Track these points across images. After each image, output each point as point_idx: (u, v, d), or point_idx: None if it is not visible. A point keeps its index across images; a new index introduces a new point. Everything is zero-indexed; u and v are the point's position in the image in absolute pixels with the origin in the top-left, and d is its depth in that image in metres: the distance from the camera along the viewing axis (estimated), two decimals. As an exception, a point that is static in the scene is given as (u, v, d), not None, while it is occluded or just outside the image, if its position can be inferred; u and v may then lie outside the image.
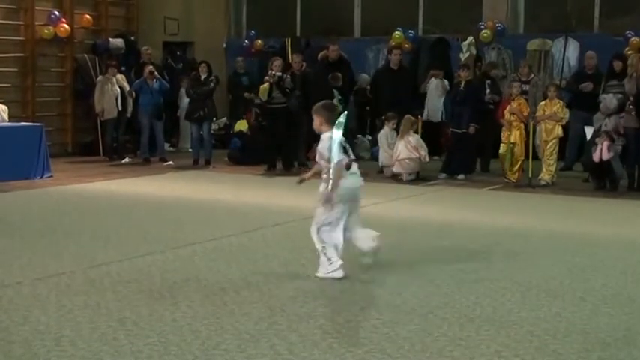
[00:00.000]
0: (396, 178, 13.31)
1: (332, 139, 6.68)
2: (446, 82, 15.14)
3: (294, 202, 10.90)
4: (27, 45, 16.45)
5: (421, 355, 4.91)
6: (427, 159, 13.26)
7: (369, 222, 9.45)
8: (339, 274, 6.70)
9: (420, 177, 13.21)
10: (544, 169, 12.75)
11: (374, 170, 14.16)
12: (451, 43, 16.72)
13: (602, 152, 12.00)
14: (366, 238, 6.96)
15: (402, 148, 13.10)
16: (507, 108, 12.96)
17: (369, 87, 16.27)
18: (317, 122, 6.98)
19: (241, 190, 12.31)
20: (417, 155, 13.07)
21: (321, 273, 6.78)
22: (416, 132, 13.56)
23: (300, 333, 5.25)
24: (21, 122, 14.41)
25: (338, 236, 6.86)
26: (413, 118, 13.45)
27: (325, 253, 6.78)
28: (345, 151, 6.82)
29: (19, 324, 5.40)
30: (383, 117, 14.29)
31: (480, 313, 5.75)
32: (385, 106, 14.29)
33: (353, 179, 6.94)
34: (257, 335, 5.21)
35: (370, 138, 16.17)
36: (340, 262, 6.75)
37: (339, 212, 6.85)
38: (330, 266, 6.73)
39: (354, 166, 6.96)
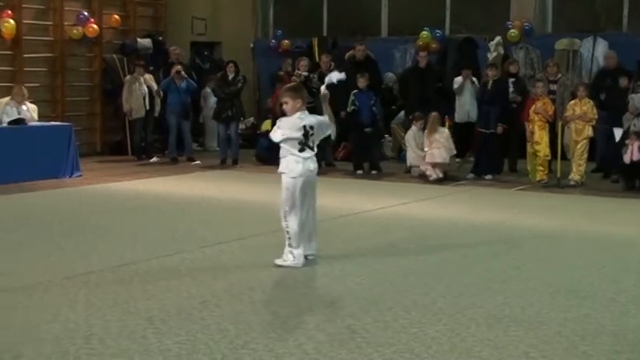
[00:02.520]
0: (423, 177, 13.29)
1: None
2: (475, 80, 15.03)
3: (322, 201, 10.88)
4: (56, 45, 16.57)
5: (449, 355, 4.90)
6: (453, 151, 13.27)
7: (398, 221, 9.49)
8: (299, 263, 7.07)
9: (448, 177, 13.17)
10: (574, 169, 12.67)
11: (401, 170, 14.17)
12: (478, 43, 16.65)
13: (632, 153, 11.91)
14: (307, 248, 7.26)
15: (431, 146, 13.04)
16: (532, 108, 12.90)
17: (393, 85, 16.24)
18: (292, 105, 7.21)
19: (268, 189, 12.28)
20: (446, 155, 13.05)
21: (280, 261, 7.11)
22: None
23: (327, 332, 5.25)
24: (50, 122, 14.53)
25: (292, 223, 7.13)
26: (438, 115, 13.40)
27: (289, 240, 7.11)
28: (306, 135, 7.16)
29: (49, 322, 5.44)
30: (410, 117, 14.27)
31: (509, 314, 5.73)
32: (413, 106, 14.26)
33: (307, 164, 7.19)
34: (285, 334, 5.21)
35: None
36: (300, 251, 7.11)
37: (294, 198, 7.14)
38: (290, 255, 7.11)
39: (309, 151, 7.22)
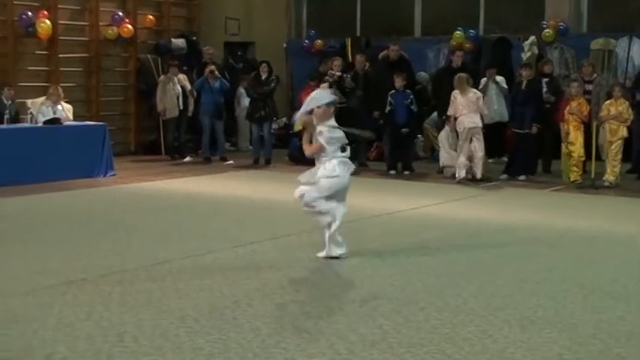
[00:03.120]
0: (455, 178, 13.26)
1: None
2: (501, 80, 14.86)
3: (355, 201, 10.88)
4: (91, 45, 16.70)
5: (481, 356, 4.88)
6: (485, 111, 13.20)
7: (430, 222, 9.46)
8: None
9: (480, 177, 13.09)
10: (608, 170, 12.55)
11: (434, 170, 14.13)
12: (513, 43, 16.55)
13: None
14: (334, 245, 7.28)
15: (464, 104, 12.92)
16: (567, 108, 12.81)
17: (427, 85, 16.19)
18: (323, 113, 7.14)
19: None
20: (477, 119, 12.93)
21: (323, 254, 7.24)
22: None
23: (359, 332, 5.25)
24: (85, 121, 14.64)
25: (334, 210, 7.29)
26: (467, 76, 13.29)
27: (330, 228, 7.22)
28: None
29: (83, 320, 5.48)
30: (443, 117, 14.23)
31: (542, 315, 5.69)
32: (446, 107, 14.20)
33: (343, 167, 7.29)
34: (316, 334, 5.22)
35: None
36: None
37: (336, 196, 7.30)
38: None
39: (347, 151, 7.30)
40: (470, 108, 12.84)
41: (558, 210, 10.60)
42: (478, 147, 12.84)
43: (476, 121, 12.86)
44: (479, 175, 12.84)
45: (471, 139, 12.88)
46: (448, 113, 13.24)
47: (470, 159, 12.92)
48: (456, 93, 12.99)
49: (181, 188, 12.29)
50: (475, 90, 13.18)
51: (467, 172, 12.90)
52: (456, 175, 12.89)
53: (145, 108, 17.28)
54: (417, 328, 5.38)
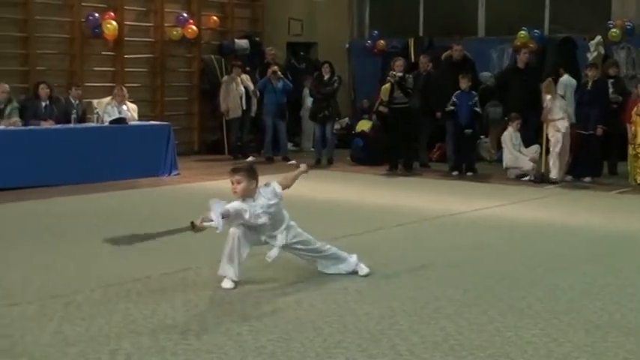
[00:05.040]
0: (519, 179, 13.15)
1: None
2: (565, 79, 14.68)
3: (417, 202, 10.88)
4: (156, 46, 16.91)
5: (545, 360, 4.83)
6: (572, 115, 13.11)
7: (493, 223, 9.38)
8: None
9: (545, 179, 12.96)
10: (677, 172, 12.36)
11: (497, 171, 14.01)
12: (578, 43, 16.34)
13: None
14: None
15: (555, 108, 12.91)
16: (634, 109, 12.61)
17: (489, 84, 16.08)
18: (245, 186, 6.35)
19: (363, 189, 12.34)
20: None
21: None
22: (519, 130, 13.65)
23: (421, 334, 5.23)
24: (150, 121, 14.82)
25: None
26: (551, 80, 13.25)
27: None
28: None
29: (147, 317, 5.55)
30: (506, 118, 14.12)
31: (607, 320, 5.61)
32: (512, 107, 14.09)
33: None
34: (378, 335, 5.21)
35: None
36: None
37: None
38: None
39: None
40: (560, 111, 12.81)
41: (624, 213, 10.44)
42: (562, 150, 12.85)
43: (566, 125, 12.88)
44: (555, 176, 12.76)
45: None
46: (542, 119, 13.15)
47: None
48: (546, 97, 12.93)
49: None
50: (559, 95, 13.13)
51: (534, 173, 12.86)
52: (553, 177, 12.88)
53: (209, 108, 17.44)
54: (479, 330, 5.34)
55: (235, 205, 6.28)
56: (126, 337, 5.11)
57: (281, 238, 6.49)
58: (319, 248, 6.74)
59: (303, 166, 7.13)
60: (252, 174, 6.45)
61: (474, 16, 18.88)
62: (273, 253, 6.47)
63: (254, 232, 6.48)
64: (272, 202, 6.40)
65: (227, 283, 6.36)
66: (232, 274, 6.38)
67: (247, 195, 6.37)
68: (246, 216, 6.25)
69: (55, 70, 15.17)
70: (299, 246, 6.66)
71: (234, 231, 6.44)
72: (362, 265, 6.80)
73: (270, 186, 6.52)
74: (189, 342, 5.05)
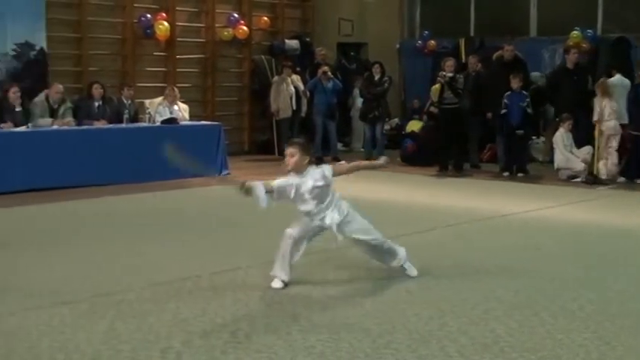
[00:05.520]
0: (570, 180, 13.02)
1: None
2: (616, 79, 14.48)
3: (467, 203, 10.82)
4: (207, 46, 17.01)
5: (597, 363, 4.78)
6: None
7: (544, 225, 9.29)
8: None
9: (597, 180, 12.81)
10: None
11: (549, 172, 13.88)
12: (632, 43, 16.11)
13: None
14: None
15: (610, 109, 12.83)
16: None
17: (540, 84, 15.93)
18: (298, 160, 6.34)
19: (413, 190, 12.31)
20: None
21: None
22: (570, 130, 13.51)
23: (470, 335, 5.20)
24: (201, 121, 14.91)
25: None
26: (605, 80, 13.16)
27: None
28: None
29: (198, 316, 5.59)
30: (558, 118, 13.98)
31: (661, 323, 5.54)
32: (563, 108, 13.94)
33: None
34: (427, 336, 5.19)
35: (544, 140, 15.81)
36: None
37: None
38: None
39: None
40: (614, 112, 12.69)
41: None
42: (613, 151, 12.77)
43: (617, 126, 12.86)
44: (605, 176, 12.63)
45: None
46: (594, 119, 13.02)
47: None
48: (601, 98, 12.80)
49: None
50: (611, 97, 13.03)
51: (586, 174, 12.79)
52: (603, 177, 12.79)
53: (259, 108, 17.50)
54: (530, 332, 5.29)
55: (280, 181, 6.34)
56: (176, 336, 5.15)
57: (330, 218, 6.43)
58: (376, 238, 6.64)
59: (383, 159, 6.95)
60: (306, 149, 6.46)
61: (526, 16, 18.70)
62: (333, 238, 6.44)
63: (306, 216, 6.46)
64: (319, 183, 6.36)
65: (277, 283, 6.39)
66: (283, 275, 6.39)
67: (298, 170, 6.37)
68: (291, 194, 6.32)
69: (107, 71, 15.33)
70: (354, 227, 6.53)
71: (289, 232, 6.47)
72: (411, 265, 6.76)
73: (320, 168, 6.46)
74: (239, 341, 5.08)
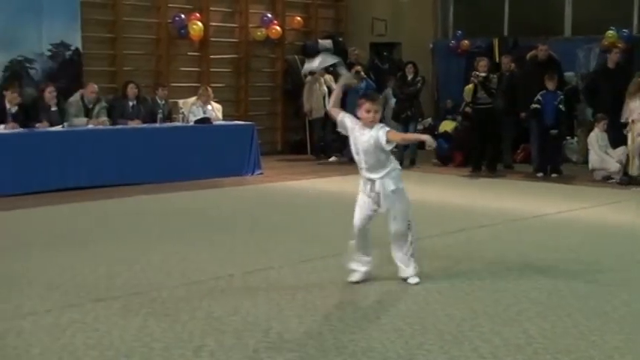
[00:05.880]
0: (606, 181, 12.92)
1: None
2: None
3: (500, 203, 10.77)
4: (241, 46, 17.08)
5: (631, 365, 4.74)
6: None
7: (577, 226, 9.23)
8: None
9: (632, 181, 12.68)
10: None
11: (583, 173, 13.78)
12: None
13: None
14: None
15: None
16: None
17: (574, 84, 15.81)
18: (379, 116, 6.52)
19: (446, 190, 12.27)
20: None
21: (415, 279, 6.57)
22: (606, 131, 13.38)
23: (503, 336, 5.18)
24: (234, 121, 14.97)
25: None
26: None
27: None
28: None
29: (230, 315, 5.61)
30: (593, 118, 13.88)
31: (697, 326, 5.48)
32: (600, 107, 13.82)
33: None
34: (460, 337, 5.18)
35: (577, 140, 15.70)
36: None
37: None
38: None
39: None
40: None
41: None
42: None
43: None
44: (635, 174, 12.62)
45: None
46: (622, 119, 12.92)
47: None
48: (633, 98, 12.72)
49: (326, 188, 12.41)
50: None
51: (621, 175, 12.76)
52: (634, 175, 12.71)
53: (292, 108, 17.54)
54: (563, 333, 5.26)
55: (348, 119, 6.66)
56: (209, 335, 5.18)
57: (380, 184, 6.48)
58: (409, 225, 6.58)
59: (429, 140, 6.66)
60: (380, 105, 6.63)
61: (561, 16, 18.57)
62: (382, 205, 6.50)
63: (362, 182, 6.62)
64: (372, 140, 6.43)
65: (351, 277, 6.51)
66: (354, 265, 6.52)
67: (371, 125, 6.47)
68: (347, 131, 6.67)
69: (141, 71, 15.44)
70: (397, 207, 6.50)
71: (353, 223, 6.62)
72: (415, 275, 6.58)
73: (380, 129, 6.44)
74: (272, 340, 5.09)
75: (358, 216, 6.63)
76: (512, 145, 15.44)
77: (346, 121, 6.66)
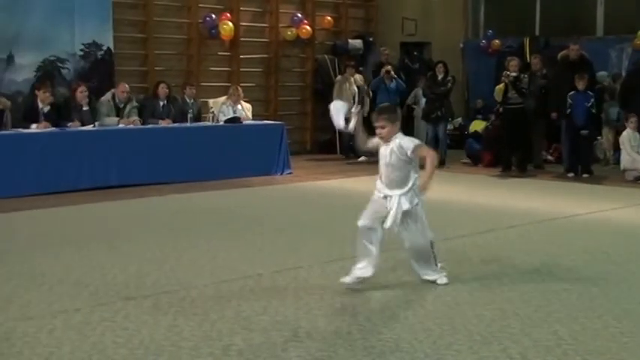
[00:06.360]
0: (638, 181, 12.81)
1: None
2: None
3: (530, 204, 10.71)
4: (271, 46, 17.12)
5: (662, 367, 4.70)
6: None
7: (608, 227, 9.16)
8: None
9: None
10: None
11: (614, 174, 13.68)
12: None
13: None
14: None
15: None
16: None
17: (606, 84, 15.69)
18: (390, 130, 6.42)
19: (476, 190, 12.22)
20: None
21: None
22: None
23: (533, 337, 5.15)
24: (264, 120, 15.01)
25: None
26: None
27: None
28: None
29: (259, 314, 5.63)
30: (624, 117, 13.78)
31: None
32: (635, 107, 13.72)
33: None
34: (489, 337, 5.16)
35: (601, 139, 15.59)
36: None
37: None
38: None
39: None
40: None
41: None
42: None
43: None
44: None
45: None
46: None
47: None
48: None
49: (355, 187, 12.37)
50: None
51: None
52: None
53: (322, 108, 17.52)
54: (594, 335, 5.22)
55: (375, 140, 6.60)
56: (238, 334, 5.19)
57: (394, 202, 6.40)
58: (427, 242, 6.53)
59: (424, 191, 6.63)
60: (393, 118, 6.53)
61: (593, 15, 18.45)
62: (388, 220, 6.37)
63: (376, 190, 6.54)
64: (395, 149, 6.42)
65: (346, 279, 6.40)
66: (357, 271, 6.39)
67: (392, 136, 6.44)
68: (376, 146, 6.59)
69: (172, 71, 15.52)
70: (412, 228, 6.46)
71: (358, 223, 6.48)
72: (443, 276, 6.55)
73: (405, 139, 6.45)
74: (300, 339, 5.10)
75: (366, 215, 6.50)
76: (543, 145, 15.34)
77: (373, 141, 6.67)
